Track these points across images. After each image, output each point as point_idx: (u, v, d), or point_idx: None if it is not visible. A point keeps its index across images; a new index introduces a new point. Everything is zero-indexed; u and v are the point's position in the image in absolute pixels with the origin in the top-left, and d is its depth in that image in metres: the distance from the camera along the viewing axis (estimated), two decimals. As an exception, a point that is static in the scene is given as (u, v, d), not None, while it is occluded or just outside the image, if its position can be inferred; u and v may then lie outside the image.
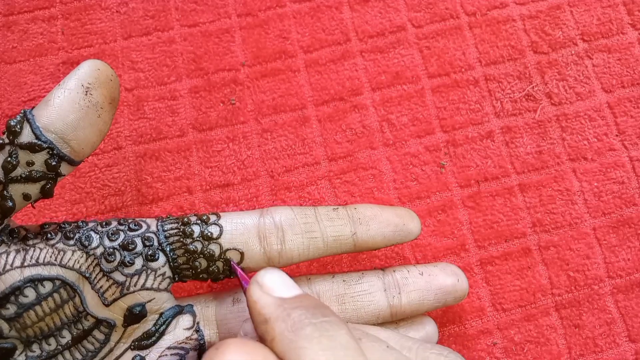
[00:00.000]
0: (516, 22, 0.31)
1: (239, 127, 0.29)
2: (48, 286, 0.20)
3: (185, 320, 0.22)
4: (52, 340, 0.20)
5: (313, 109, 0.30)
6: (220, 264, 0.22)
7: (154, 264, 0.21)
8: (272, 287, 0.18)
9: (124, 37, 0.31)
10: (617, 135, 0.29)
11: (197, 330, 0.22)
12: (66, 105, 0.20)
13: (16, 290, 0.19)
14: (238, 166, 0.29)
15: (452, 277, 0.24)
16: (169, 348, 0.21)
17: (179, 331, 0.22)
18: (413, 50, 0.31)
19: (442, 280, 0.24)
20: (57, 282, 0.20)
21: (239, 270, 0.22)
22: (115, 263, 0.21)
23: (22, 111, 0.20)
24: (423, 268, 0.24)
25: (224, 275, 0.22)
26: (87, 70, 0.20)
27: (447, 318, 0.27)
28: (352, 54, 0.31)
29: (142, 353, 0.21)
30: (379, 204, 0.28)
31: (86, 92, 0.20)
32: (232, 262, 0.22)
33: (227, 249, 0.22)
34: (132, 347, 0.21)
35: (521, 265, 0.28)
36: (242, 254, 0.22)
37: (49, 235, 0.21)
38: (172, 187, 0.28)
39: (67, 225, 0.21)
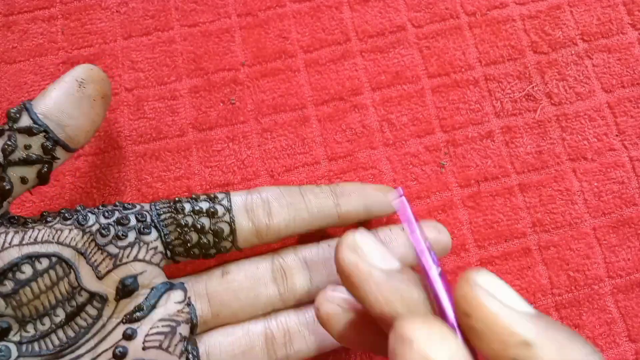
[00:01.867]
0: (516, 22, 0.31)
1: (239, 126, 0.29)
2: (45, 263, 0.20)
3: (176, 295, 0.23)
4: (46, 320, 0.21)
5: (313, 108, 0.30)
6: (210, 236, 0.23)
7: (146, 237, 0.22)
8: (506, 297, 0.15)
9: (124, 37, 0.31)
10: (617, 135, 0.29)
11: (189, 304, 0.23)
12: (61, 95, 0.22)
13: (14, 266, 0.20)
14: (238, 166, 0.29)
15: (433, 230, 0.25)
16: (160, 320, 0.22)
17: (171, 304, 0.22)
18: (413, 50, 0.31)
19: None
20: (54, 259, 0.21)
21: (405, 201, 0.18)
22: (110, 237, 0.22)
23: (22, 102, 0.21)
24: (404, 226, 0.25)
25: (214, 250, 0.23)
26: (81, 69, 0.23)
27: (447, 318, 0.27)
28: (352, 53, 0.31)
29: (134, 326, 0.21)
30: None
31: (80, 85, 0.22)
32: (401, 194, 0.19)
33: (217, 221, 0.23)
34: (123, 321, 0.21)
35: (521, 265, 0.28)
36: (231, 224, 0.23)
37: (48, 219, 0.22)
38: (172, 187, 0.28)
39: (65, 211, 0.22)
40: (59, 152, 0.22)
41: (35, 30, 0.31)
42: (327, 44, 0.31)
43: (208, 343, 0.23)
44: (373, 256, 0.17)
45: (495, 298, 0.14)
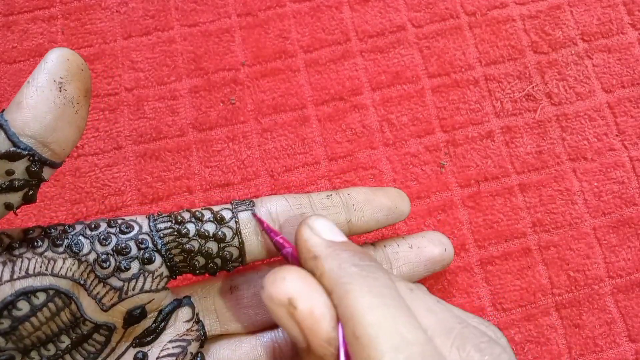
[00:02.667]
0: (516, 22, 0.31)
1: (239, 126, 0.29)
2: (42, 297, 0.19)
3: (184, 313, 0.22)
4: (51, 346, 0.20)
5: (313, 108, 0.30)
6: (218, 260, 0.22)
7: (150, 267, 0.21)
8: (322, 230, 0.20)
9: (124, 37, 0.31)
10: (617, 135, 0.29)
11: (197, 322, 0.22)
12: (41, 106, 0.18)
13: (8, 305, 0.18)
14: (238, 166, 0.29)
15: (439, 247, 0.25)
16: (170, 341, 0.21)
17: (179, 324, 0.22)
18: (413, 50, 0.31)
19: (430, 251, 0.25)
20: (51, 292, 0.19)
21: (266, 222, 0.22)
22: (111, 269, 0.20)
23: None
24: (412, 240, 0.25)
25: (221, 269, 0.22)
26: (57, 63, 0.19)
27: (447, 318, 0.27)
28: (352, 53, 0.31)
29: (145, 349, 0.21)
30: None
31: (60, 88, 0.18)
32: (256, 215, 0.22)
33: (225, 246, 0.22)
34: (133, 345, 0.21)
35: (521, 265, 0.28)
36: (240, 248, 0.22)
37: (35, 243, 0.19)
38: (172, 186, 0.28)
39: (52, 231, 0.20)
40: (46, 172, 0.19)
41: (35, 30, 0.31)
42: (327, 44, 0.31)
43: (216, 356, 0.22)
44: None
45: (310, 229, 0.19)
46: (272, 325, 0.23)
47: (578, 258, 0.28)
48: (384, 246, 0.24)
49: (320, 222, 0.20)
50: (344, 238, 0.20)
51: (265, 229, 0.22)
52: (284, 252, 0.21)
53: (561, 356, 0.26)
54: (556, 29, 0.31)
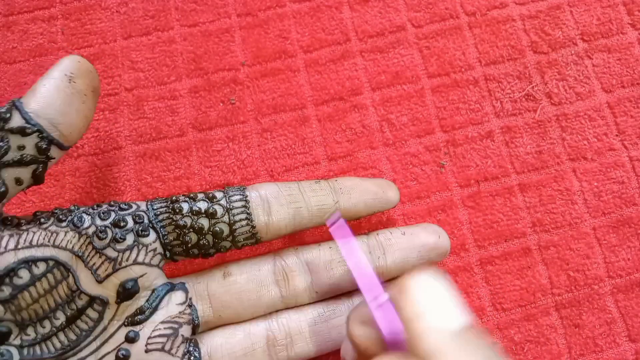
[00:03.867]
0: (516, 22, 0.31)
1: (238, 126, 0.29)
2: (42, 267, 0.20)
3: (177, 296, 0.22)
4: (46, 323, 0.20)
5: (313, 108, 0.30)
6: (210, 237, 0.22)
7: (145, 240, 0.22)
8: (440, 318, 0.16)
9: (124, 37, 0.31)
10: (617, 135, 0.29)
11: (190, 305, 0.23)
12: (53, 92, 0.21)
13: (10, 271, 0.19)
14: (238, 166, 0.29)
15: (433, 234, 0.25)
16: (162, 322, 0.22)
17: (172, 306, 0.22)
18: (413, 50, 0.31)
19: (424, 238, 0.25)
20: (51, 263, 0.20)
21: (341, 222, 0.21)
22: (107, 240, 0.21)
23: (11, 100, 0.20)
24: (405, 229, 0.25)
25: (214, 250, 0.23)
26: (69, 63, 0.22)
27: (447, 318, 0.27)
28: (352, 53, 0.31)
29: (136, 328, 0.21)
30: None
31: (70, 80, 0.21)
32: (338, 218, 0.22)
33: (216, 222, 0.22)
34: (125, 323, 0.21)
35: (521, 265, 0.28)
36: (231, 225, 0.23)
37: (41, 220, 0.21)
38: (172, 186, 0.28)
39: (59, 211, 0.22)
40: (54, 151, 0.21)
41: (35, 30, 0.31)
42: (327, 44, 0.31)
43: (210, 344, 0.23)
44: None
45: (426, 316, 0.16)
46: (266, 314, 0.24)
47: (578, 258, 0.28)
48: (377, 234, 0.25)
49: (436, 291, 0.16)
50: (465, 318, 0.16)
51: (345, 245, 0.19)
52: (375, 303, 0.17)
53: (561, 356, 0.26)
54: (556, 29, 0.31)
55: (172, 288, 0.23)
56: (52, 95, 0.21)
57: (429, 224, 0.26)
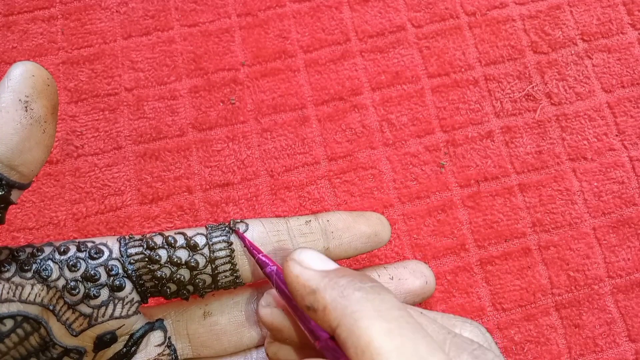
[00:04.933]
0: (516, 22, 0.31)
1: (238, 126, 0.29)
2: (9, 324, 0.18)
3: (156, 337, 0.22)
4: None
5: (313, 108, 0.30)
6: (190, 287, 0.21)
7: (120, 294, 0.20)
8: (312, 261, 0.19)
9: (124, 37, 0.31)
10: (617, 135, 0.29)
11: (169, 346, 0.22)
12: (6, 127, 0.17)
13: None
14: (238, 166, 0.29)
15: (420, 279, 0.24)
16: None
17: (151, 348, 0.22)
18: (413, 50, 0.31)
19: (410, 283, 0.24)
20: (19, 318, 0.19)
21: (248, 240, 0.22)
22: (80, 296, 0.20)
23: None
24: (393, 271, 0.24)
25: (195, 294, 0.22)
26: (21, 80, 0.18)
27: (447, 318, 0.27)
28: (352, 53, 0.31)
29: None
30: (378, 204, 0.28)
31: (26, 107, 0.18)
32: (239, 232, 0.22)
33: (198, 274, 0.21)
34: None
35: (521, 265, 0.28)
36: (213, 276, 0.21)
37: (2, 267, 0.19)
38: (172, 186, 0.28)
39: (20, 254, 0.19)
40: (14, 195, 0.18)
41: (35, 30, 0.31)
42: (327, 44, 0.31)
43: None
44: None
45: (298, 263, 0.18)
46: (245, 350, 0.23)
47: (578, 258, 0.28)
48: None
49: (307, 254, 0.19)
50: (335, 265, 0.19)
51: (247, 246, 0.22)
52: (267, 271, 0.21)
53: (561, 356, 0.26)
54: (556, 29, 0.31)
55: (150, 328, 0.22)
56: (6, 132, 0.17)
57: (416, 263, 0.25)
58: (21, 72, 0.18)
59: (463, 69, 0.30)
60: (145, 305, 0.22)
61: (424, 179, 0.29)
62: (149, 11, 0.31)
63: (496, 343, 0.19)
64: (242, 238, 0.22)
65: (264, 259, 0.21)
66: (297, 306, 0.19)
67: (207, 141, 0.29)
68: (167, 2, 0.31)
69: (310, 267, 0.18)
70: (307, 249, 0.19)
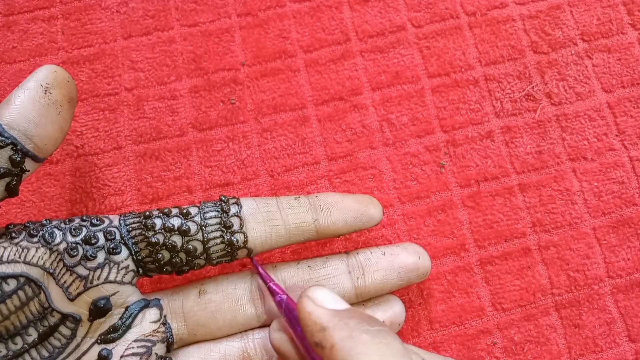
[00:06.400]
0: (516, 22, 0.31)
1: (238, 126, 0.29)
2: (12, 284, 0.20)
3: (151, 314, 0.22)
4: (18, 339, 0.20)
5: (313, 108, 0.30)
6: (182, 255, 0.22)
7: (116, 257, 0.21)
8: (324, 300, 0.19)
9: (124, 37, 0.31)
10: (617, 135, 0.29)
11: (164, 323, 0.22)
12: (27, 103, 0.20)
13: None
14: (238, 165, 0.29)
15: (414, 255, 0.24)
16: (135, 340, 0.21)
17: (146, 324, 0.22)
18: (413, 50, 0.31)
19: (404, 259, 0.24)
20: (22, 280, 0.20)
21: (261, 267, 0.23)
22: (78, 257, 0.21)
23: None
24: (386, 249, 0.25)
25: (188, 267, 0.23)
26: (45, 73, 0.21)
27: (448, 318, 0.27)
28: (352, 53, 0.31)
29: (109, 347, 0.21)
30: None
31: (45, 91, 0.21)
32: (253, 259, 0.23)
33: (189, 240, 0.22)
34: (98, 341, 0.21)
35: (521, 265, 0.28)
36: (204, 242, 0.22)
37: (13, 234, 0.21)
38: (172, 186, 0.28)
39: (31, 225, 0.21)
40: (28, 164, 0.21)
41: (35, 30, 0.31)
42: (327, 44, 0.31)
43: None
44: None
45: (312, 301, 0.19)
46: (241, 331, 0.23)
47: (578, 258, 0.28)
48: (357, 254, 0.24)
49: (321, 292, 0.20)
50: (347, 305, 0.20)
51: (259, 273, 0.23)
52: (277, 299, 0.22)
53: (561, 356, 0.26)
54: (556, 29, 0.31)
55: (146, 305, 0.22)
56: (26, 107, 0.20)
57: (410, 244, 0.25)
58: (46, 69, 0.21)
59: (463, 69, 0.30)
60: (143, 288, 0.23)
61: (424, 179, 0.29)
62: (149, 11, 0.31)
63: None
64: (255, 265, 0.23)
65: (274, 287, 0.22)
66: (302, 336, 0.20)
67: (207, 141, 0.29)
68: (167, 2, 0.31)
69: (322, 305, 0.19)
70: (321, 287, 0.20)
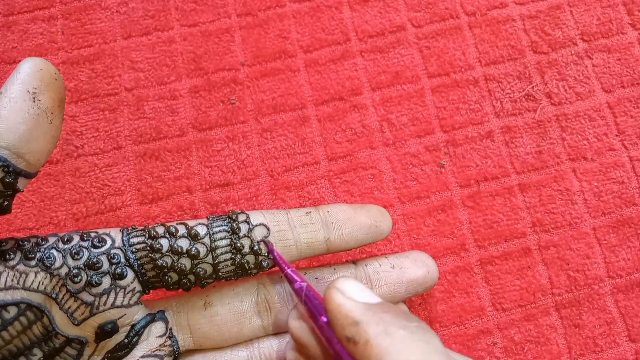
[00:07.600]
0: (516, 22, 0.31)
1: (238, 126, 0.29)
2: (13, 311, 0.19)
3: (157, 328, 0.22)
4: (22, 359, 0.19)
5: (313, 108, 0.30)
6: (192, 276, 0.21)
7: (122, 282, 0.20)
8: (354, 293, 0.18)
9: (124, 37, 0.31)
10: (617, 135, 0.29)
11: (171, 337, 0.22)
12: (15, 117, 0.18)
13: None
14: (238, 165, 0.29)
15: (423, 268, 0.24)
16: (142, 357, 0.21)
17: (152, 339, 0.22)
18: (413, 50, 0.31)
19: (413, 273, 0.24)
20: (22, 306, 0.19)
21: (277, 252, 0.22)
22: (82, 283, 0.20)
23: None
24: (394, 260, 0.24)
25: (194, 285, 0.22)
26: (30, 72, 0.19)
27: (448, 318, 0.27)
28: (352, 53, 0.31)
29: None
30: (378, 204, 0.28)
31: (33, 98, 0.18)
32: (269, 244, 0.22)
33: (199, 262, 0.21)
34: (105, 359, 0.21)
35: (521, 265, 0.28)
36: (213, 265, 0.21)
37: (7, 255, 0.19)
38: (172, 186, 0.28)
39: (25, 243, 0.20)
40: (21, 183, 0.19)
41: (35, 30, 0.31)
42: (327, 44, 0.31)
43: None
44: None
45: (341, 293, 0.18)
46: (247, 341, 0.23)
47: (578, 258, 0.28)
48: (365, 265, 0.24)
49: (350, 284, 0.19)
50: (379, 299, 0.19)
51: (276, 259, 0.22)
52: (296, 287, 0.20)
53: (561, 356, 0.26)
54: (556, 29, 0.31)
55: (152, 319, 0.22)
56: (14, 121, 0.18)
57: (418, 253, 0.25)
58: (30, 66, 0.19)
59: (463, 69, 0.30)
60: (147, 296, 0.22)
61: (424, 179, 0.29)
62: (149, 11, 0.31)
63: None
64: (271, 251, 0.22)
65: (292, 273, 0.21)
66: (325, 327, 0.19)
67: (207, 141, 0.29)
68: (167, 2, 0.31)
69: (353, 297, 0.18)
70: (350, 278, 0.19)
